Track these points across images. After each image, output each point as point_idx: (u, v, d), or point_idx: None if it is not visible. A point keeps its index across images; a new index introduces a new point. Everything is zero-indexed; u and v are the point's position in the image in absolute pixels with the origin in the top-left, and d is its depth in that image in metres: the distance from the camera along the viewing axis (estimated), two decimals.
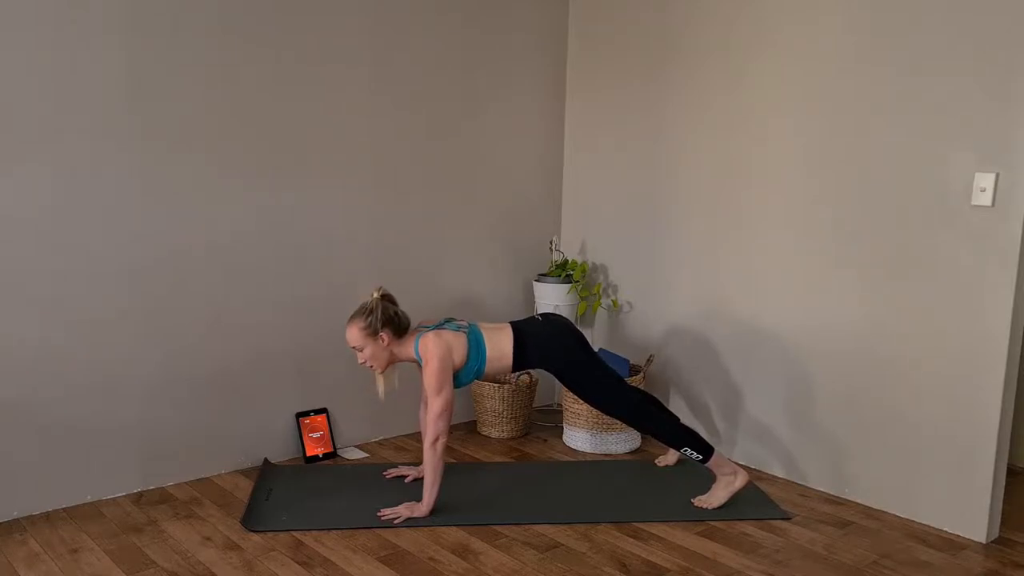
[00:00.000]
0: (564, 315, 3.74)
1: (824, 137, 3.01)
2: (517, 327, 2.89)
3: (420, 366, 2.81)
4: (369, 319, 2.75)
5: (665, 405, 3.24)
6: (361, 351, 2.80)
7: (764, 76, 3.17)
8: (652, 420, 2.91)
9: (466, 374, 2.83)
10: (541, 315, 3.01)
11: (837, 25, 2.94)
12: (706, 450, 2.86)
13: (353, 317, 2.79)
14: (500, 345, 2.84)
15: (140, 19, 2.78)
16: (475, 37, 3.66)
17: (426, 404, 3.04)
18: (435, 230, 3.66)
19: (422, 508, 2.75)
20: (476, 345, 2.81)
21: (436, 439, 2.70)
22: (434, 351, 2.73)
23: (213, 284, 3.06)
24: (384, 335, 2.76)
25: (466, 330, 2.84)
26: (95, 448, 2.87)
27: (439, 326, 2.86)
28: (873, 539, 2.72)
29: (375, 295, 2.80)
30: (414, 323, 2.90)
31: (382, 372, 2.86)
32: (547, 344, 2.87)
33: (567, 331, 2.92)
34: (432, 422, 2.71)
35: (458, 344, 2.78)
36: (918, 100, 2.75)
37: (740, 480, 2.89)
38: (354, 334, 2.78)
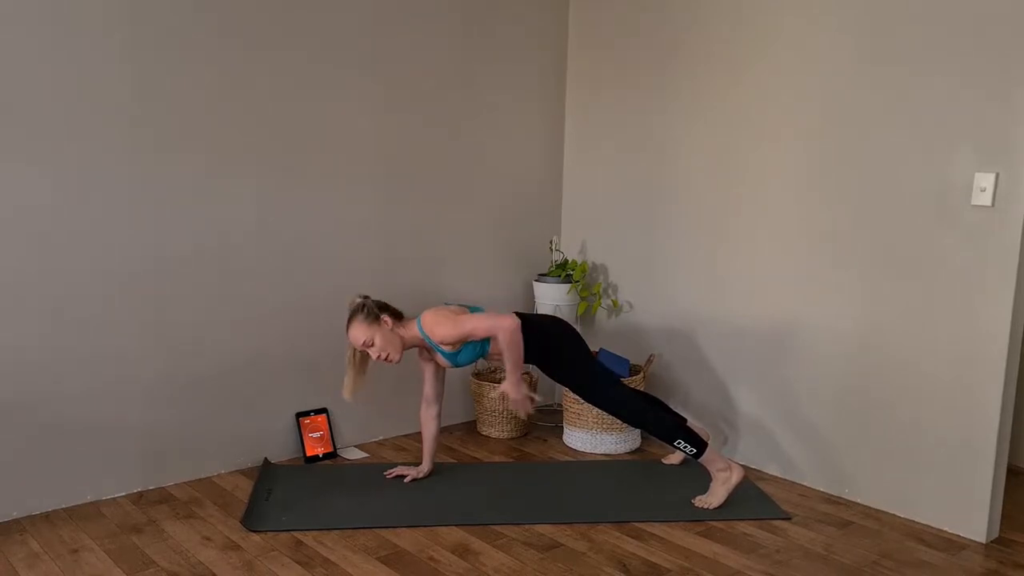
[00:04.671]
0: (564, 315, 3.76)
1: (824, 137, 3.01)
2: (521, 312, 2.96)
3: (429, 347, 2.88)
4: (365, 309, 2.81)
5: (670, 408, 3.25)
6: (372, 345, 2.81)
7: (764, 76, 3.17)
8: (642, 415, 2.92)
9: (470, 348, 2.86)
10: (546, 314, 3.05)
11: (837, 25, 2.94)
12: (699, 445, 2.87)
13: (350, 318, 2.84)
14: None
15: (142, 20, 2.78)
16: (475, 37, 3.66)
17: (427, 402, 3.06)
18: (435, 230, 3.66)
19: (511, 384, 2.79)
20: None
21: (499, 334, 2.75)
22: (434, 317, 2.82)
23: (214, 284, 3.06)
24: (386, 318, 2.82)
25: (468, 307, 2.92)
26: (95, 448, 2.87)
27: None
28: (873, 539, 2.72)
29: (356, 299, 2.87)
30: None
31: (399, 359, 2.87)
32: (548, 332, 2.93)
33: (566, 326, 3.00)
34: (486, 331, 2.77)
35: (460, 312, 2.85)
36: (918, 100, 2.75)
37: (736, 475, 2.90)
38: (359, 330, 2.81)
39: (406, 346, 2.88)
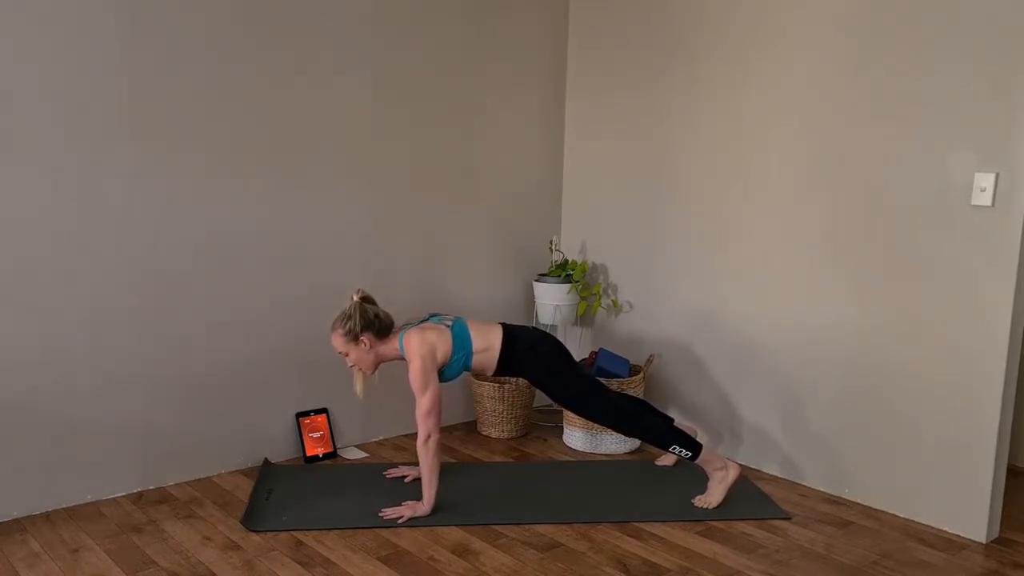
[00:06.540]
0: (564, 315, 3.77)
1: (824, 138, 3.01)
2: (507, 325, 2.93)
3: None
4: (348, 324, 2.77)
5: (657, 408, 3.24)
6: (347, 356, 2.82)
7: (764, 77, 3.17)
8: (637, 423, 2.93)
9: (452, 368, 2.83)
10: (532, 327, 3.04)
11: (837, 25, 2.94)
12: (695, 447, 2.87)
13: (334, 324, 2.81)
14: (488, 339, 2.86)
15: (142, 20, 2.78)
16: (475, 37, 3.66)
17: None
18: (435, 230, 3.66)
19: (423, 507, 2.75)
20: (460, 339, 2.82)
21: (427, 437, 2.71)
22: (417, 350, 2.74)
23: (213, 284, 3.06)
24: (365, 339, 2.78)
25: (450, 324, 2.85)
26: (95, 448, 2.87)
27: (423, 322, 2.89)
28: (873, 539, 2.72)
29: (354, 298, 2.82)
30: (401, 320, 2.91)
31: (372, 373, 2.88)
32: (535, 349, 2.90)
33: (553, 342, 2.96)
34: (421, 421, 2.72)
35: (442, 341, 2.79)
36: (918, 100, 2.75)
37: (732, 473, 2.91)
38: (337, 341, 2.81)
39: (383, 361, 2.87)
